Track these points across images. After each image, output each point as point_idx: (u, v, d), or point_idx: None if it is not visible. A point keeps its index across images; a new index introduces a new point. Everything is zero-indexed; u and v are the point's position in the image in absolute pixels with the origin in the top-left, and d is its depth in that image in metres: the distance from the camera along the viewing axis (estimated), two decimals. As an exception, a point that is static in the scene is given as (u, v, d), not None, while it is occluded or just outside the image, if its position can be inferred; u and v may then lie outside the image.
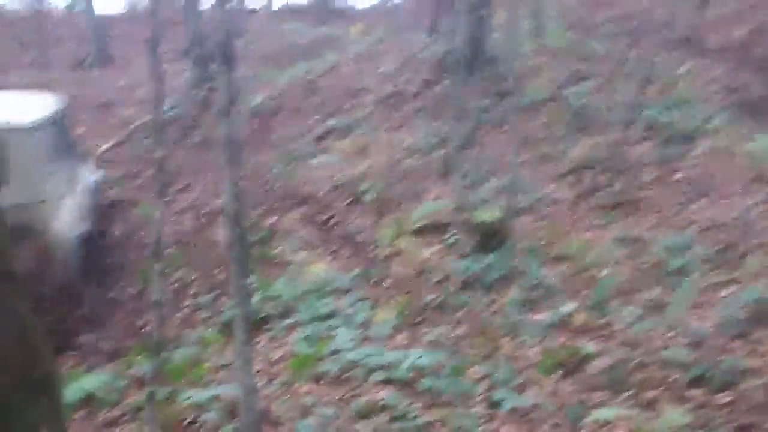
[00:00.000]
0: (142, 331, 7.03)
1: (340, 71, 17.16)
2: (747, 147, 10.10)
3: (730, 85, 13.63)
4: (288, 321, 6.48)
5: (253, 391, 4.47)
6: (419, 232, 9.10)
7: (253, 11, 34.61)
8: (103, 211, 9.05)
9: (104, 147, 13.89)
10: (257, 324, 6.78)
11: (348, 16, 32.62)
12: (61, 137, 7.86)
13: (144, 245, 9.14)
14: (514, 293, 7.17)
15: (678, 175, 9.84)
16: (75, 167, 8.27)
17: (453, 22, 10.54)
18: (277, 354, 5.82)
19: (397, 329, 6.39)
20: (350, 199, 10.30)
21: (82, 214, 7.63)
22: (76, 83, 19.19)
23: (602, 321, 6.61)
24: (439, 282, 7.65)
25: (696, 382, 5.47)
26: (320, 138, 13.35)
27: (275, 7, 37.77)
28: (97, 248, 8.00)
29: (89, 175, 8.70)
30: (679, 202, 9.21)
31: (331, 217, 9.89)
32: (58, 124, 7.85)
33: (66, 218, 7.19)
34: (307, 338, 5.91)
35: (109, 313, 7.48)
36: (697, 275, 7.28)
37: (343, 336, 5.83)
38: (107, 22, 26.85)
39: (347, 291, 7.45)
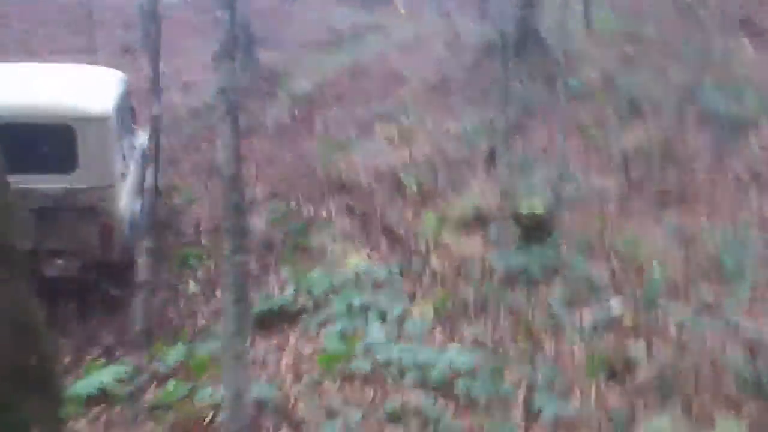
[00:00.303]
0: (172, 319, 6.90)
1: (386, 57, 16.88)
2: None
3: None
4: (321, 315, 6.28)
5: (240, 396, 3.88)
6: (462, 224, 8.80)
7: (298, -2, 34.55)
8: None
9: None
10: (291, 317, 6.60)
11: (395, 1, 32.33)
12: (125, 117, 8.10)
13: (182, 230, 9.12)
14: (558, 289, 6.84)
15: (735, 167, 9.36)
16: (133, 144, 8.55)
17: (501, 5, 10.19)
18: (307, 350, 5.61)
19: (433, 326, 6.14)
20: (392, 189, 10.05)
21: (138, 189, 7.86)
22: (122, 68, 19.24)
23: (652, 321, 6.25)
24: (480, 277, 7.36)
25: (753, 390, 5.11)
26: (365, 125, 13.11)
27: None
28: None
29: (142, 154, 8.84)
30: (737, 195, 8.75)
31: (373, 207, 9.65)
32: (124, 104, 8.07)
33: (126, 200, 7.45)
34: (339, 334, 5.69)
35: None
36: (755, 274, 6.86)
37: (376, 333, 5.59)
38: (157, 8, 26.95)
39: (384, 284, 7.20)
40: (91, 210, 6.95)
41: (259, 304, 6.88)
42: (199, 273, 7.97)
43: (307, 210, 9.44)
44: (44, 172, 6.78)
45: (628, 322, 6.26)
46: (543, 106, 12.25)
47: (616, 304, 6.39)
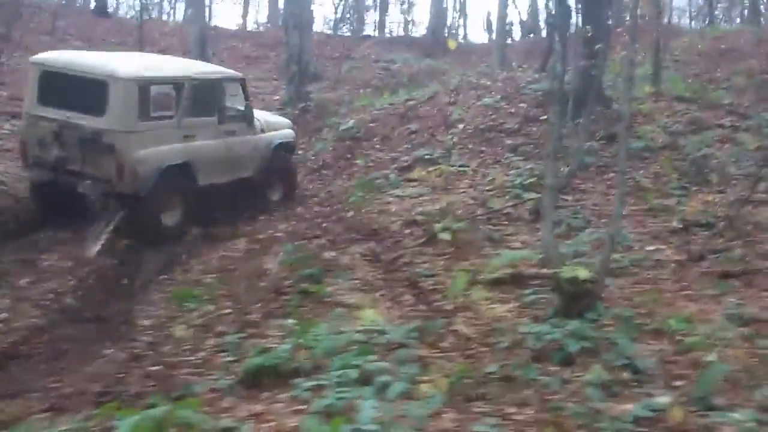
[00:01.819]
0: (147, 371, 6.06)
1: (439, 101, 16.17)
2: None
3: None
4: (317, 380, 5.40)
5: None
6: (496, 283, 7.90)
7: (366, 37, 34.37)
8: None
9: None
10: (285, 376, 5.74)
11: (460, 49, 31.87)
12: (163, 94, 9.72)
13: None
14: (597, 372, 5.84)
15: (809, 247, 8.32)
16: (224, 122, 10.52)
17: (565, 58, 9.43)
18: (289, 423, 4.72)
19: (444, 406, 5.21)
20: (424, 238, 9.22)
21: (171, 155, 9.59)
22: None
23: (704, 422, 5.22)
24: (508, 348, 6.42)
25: None
26: (406, 168, 12.42)
27: (387, 35, 37.61)
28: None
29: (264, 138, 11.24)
30: (809, 278, 7.70)
31: (400, 256, 8.83)
32: (188, 86, 9.91)
33: (150, 151, 9.29)
34: (326, 409, 4.79)
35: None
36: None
37: (370, 411, 4.67)
38: (216, 36, 26.97)
39: (398, 347, 6.31)
40: (110, 147, 9.00)
41: (252, 357, 6.04)
42: (195, 315, 7.17)
43: (329, 254, 8.62)
44: (90, 114, 9.11)
45: (676, 421, 5.24)
46: (601, 164, 11.40)
47: (663, 399, 5.38)
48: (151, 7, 38.35)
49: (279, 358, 5.84)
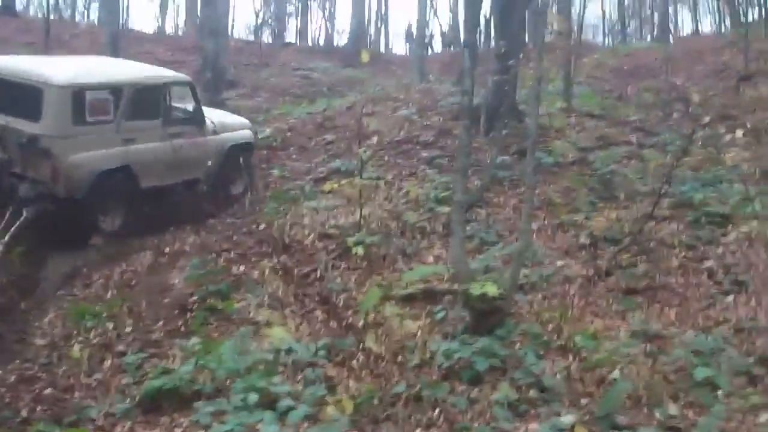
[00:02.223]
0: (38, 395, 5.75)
1: (357, 111, 16.11)
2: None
3: (769, 168, 12.39)
4: (218, 404, 5.24)
5: None
6: (408, 299, 7.89)
7: (286, 44, 34.11)
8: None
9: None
10: (187, 399, 5.57)
11: (380, 60, 31.95)
12: (99, 99, 9.75)
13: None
14: (504, 391, 5.89)
15: (709, 263, 8.55)
16: (167, 126, 10.48)
17: (474, 73, 9.48)
18: (187, 451, 4.56)
19: (349, 429, 5.13)
20: (338, 251, 9.12)
21: (108, 159, 9.66)
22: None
23: (607, 442, 5.31)
24: (418, 366, 6.41)
25: None
26: (322, 179, 12.27)
27: (309, 43, 37.46)
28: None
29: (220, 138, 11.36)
30: (710, 294, 7.91)
31: (312, 270, 8.70)
32: (119, 87, 9.96)
33: (86, 155, 9.36)
34: (226, 435, 4.65)
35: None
36: (729, 390, 5.97)
37: (270, 439, 4.54)
38: (130, 38, 26.30)
39: (306, 366, 6.21)
40: (46, 152, 9.11)
41: (152, 379, 5.84)
42: (93, 333, 6.88)
43: (238, 268, 8.43)
44: (27, 119, 9.18)
45: (580, 440, 5.31)
46: (514, 178, 11.52)
47: (569, 419, 5.44)
48: (63, 8, 37.27)
49: (180, 380, 5.68)
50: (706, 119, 10.61)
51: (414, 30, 28.16)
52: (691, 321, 7.41)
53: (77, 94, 9.36)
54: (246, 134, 12.19)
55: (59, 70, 9.76)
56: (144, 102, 10.13)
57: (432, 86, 18.41)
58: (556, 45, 20.74)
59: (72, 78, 9.55)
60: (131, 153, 9.89)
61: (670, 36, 34.59)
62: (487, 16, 17.38)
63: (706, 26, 35.22)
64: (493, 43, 15.83)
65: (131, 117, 9.95)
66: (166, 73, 11.40)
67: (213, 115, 11.56)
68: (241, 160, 11.66)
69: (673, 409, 5.79)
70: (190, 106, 10.97)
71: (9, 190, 9.24)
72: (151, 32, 35.16)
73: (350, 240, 9.16)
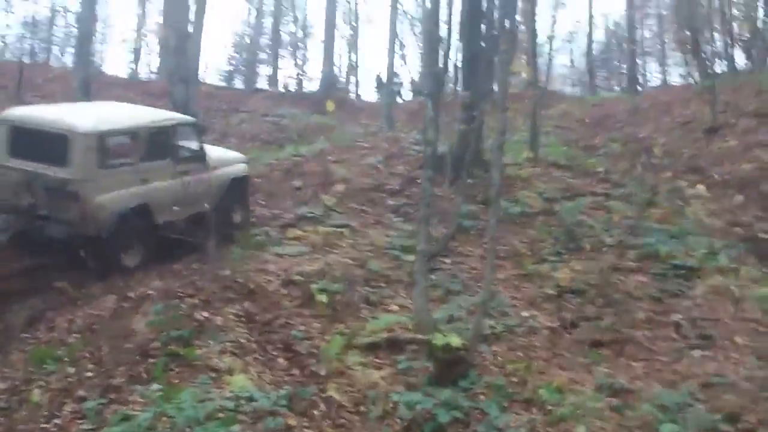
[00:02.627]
0: None
1: (325, 158, 16.16)
2: (756, 292, 8.90)
3: (736, 220, 12.58)
4: (174, 454, 5.11)
5: None
6: (371, 348, 7.79)
7: (257, 90, 34.25)
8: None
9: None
10: (144, 449, 5.41)
11: (350, 107, 32.19)
12: (120, 143, 10.46)
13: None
14: (463, 445, 5.81)
15: (676, 316, 8.62)
16: (177, 164, 11.05)
17: (437, 123, 9.54)
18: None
19: (308, 482, 5.03)
20: (302, 299, 9.01)
21: (130, 199, 10.22)
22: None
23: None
24: (380, 417, 6.31)
25: None
26: (288, 225, 12.17)
27: (281, 89, 37.63)
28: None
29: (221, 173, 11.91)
30: (676, 348, 7.97)
31: (276, 317, 8.56)
32: (138, 132, 10.64)
33: (112, 196, 9.92)
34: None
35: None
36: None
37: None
38: (101, 83, 26.24)
39: (266, 415, 6.07)
40: (75, 195, 9.63)
41: (111, 426, 5.67)
42: (54, 378, 6.70)
43: (201, 314, 8.28)
44: (54, 164, 9.65)
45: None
46: (480, 227, 11.55)
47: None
48: (38, 51, 37.10)
49: (139, 427, 5.54)
50: (668, 173, 10.72)
51: (383, 78, 28.41)
52: (657, 375, 7.43)
53: (101, 140, 9.95)
54: (242, 168, 12.79)
55: (82, 118, 10.37)
56: (156, 143, 10.78)
57: (399, 134, 18.53)
58: (523, 94, 21.11)
59: (95, 125, 10.11)
60: (148, 192, 10.50)
61: (638, 87, 35.25)
62: (457, 64, 17.63)
63: (675, 77, 35.86)
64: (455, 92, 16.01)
65: (146, 158, 10.54)
66: (173, 116, 12.13)
67: (212, 152, 12.07)
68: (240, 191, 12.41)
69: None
70: (193, 145, 11.53)
71: (36, 232, 9.94)
72: (124, 77, 35.10)
73: (314, 287, 9.06)
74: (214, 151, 12.29)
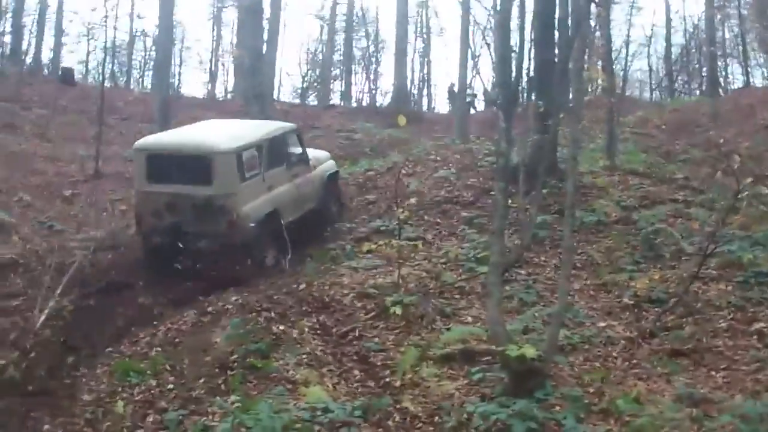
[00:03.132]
0: None
1: (399, 172, 16.23)
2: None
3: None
4: (253, 463, 5.25)
5: None
6: (445, 359, 7.81)
7: (331, 106, 34.70)
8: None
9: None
10: (223, 458, 5.57)
11: (423, 120, 32.27)
12: (269, 153, 11.71)
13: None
14: (544, 457, 5.77)
15: (759, 325, 8.33)
16: (291, 168, 12.33)
17: (510, 134, 9.50)
18: None
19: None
20: (376, 311, 9.11)
21: (268, 202, 11.44)
22: (126, 160, 18.85)
23: None
24: (454, 428, 6.32)
25: None
26: (362, 239, 12.33)
27: (353, 104, 38.06)
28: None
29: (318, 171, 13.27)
30: (759, 357, 7.68)
31: (351, 329, 8.69)
32: (263, 145, 11.67)
33: (251, 205, 11.01)
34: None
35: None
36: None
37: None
38: (179, 104, 27.03)
39: (341, 426, 6.17)
40: (222, 208, 10.62)
41: (191, 436, 5.88)
42: (137, 390, 6.96)
43: (278, 327, 8.46)
44: (198, 184, 10.65)
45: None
46: (555, 237, 11.44)
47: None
48: (119, 75, 38.47)
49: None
50: (749, 179, 10.38)
51: (456, 89, 28.38)
52: (739, 385, 7.20)
53: (238, 156, 10.90)
54: (332, 164, 14.22)
55: (218, 138, 11.34)
56: (274, 152, 11.84)
57: (472, 146, 18.48)
58: (599, 102, 20.77)
59: (231, 143, 11.05)
60: (275, 197, 11.61)
61: (720, 90, 34.23)
62: (530, 74, 17.50)
63: (758, 79, 34.62)
64: (529, 102, 15.92)
65: (269, 167, 11.59)
66: (282, 125, 13.34)
67: (309, 153, 13.21)
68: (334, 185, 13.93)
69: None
70: (298, 149, 12.68)
71: (183, 246, 10.71)
72: (201, 97, 36.07)
73: (388, 299, 9.15)
74: (310, 153, 13.35)
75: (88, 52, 36.13)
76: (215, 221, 10.61)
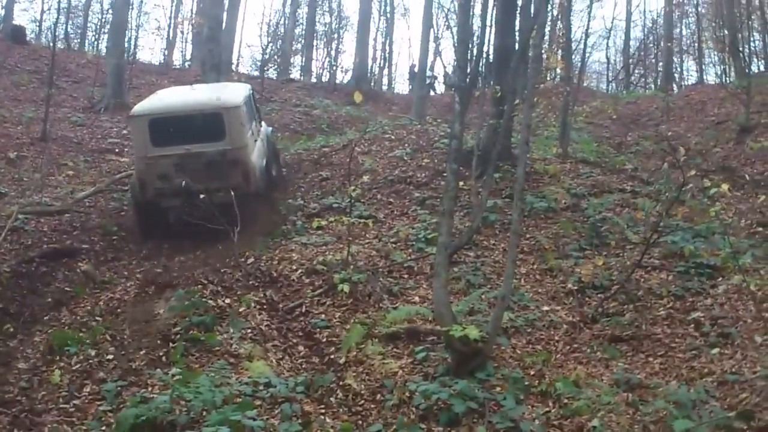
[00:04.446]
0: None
1: (354, 150, 16.20)
2: (780, 293, 8.79)
3: (763, 220, 12.41)
4: (187, 438, 5.20)
5: None
6: (391, 338, 7.86)
7: (290, 81, 34.33)
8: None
9: (81, 194, 12.91)
10: (162, 429, 5.53)
11: (382, 99, 32.17)
12: (251, 109, 12.37)
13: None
14: (481, 435, 5.85)
15: (697, 314, 8.53)
16: (259, 125, 13.04)
17: (463, 117, 9.53)
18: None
19: (321, 465, 5.09)
20: (324, 288, 9.10)
21: (262, 153, 12.22)
22: (75, 125, 18.49)
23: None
24: (396, 406, 6.36)
25: None
26: (314, 215, 12.28)
27: (313, 80, 37.72)
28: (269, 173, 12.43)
29: (266, 129, 13.83)
30: (695, 345, 7.87)
31: (298, 305, 8.68)
32: (251, 101, 12.60)
33: (255, 156, 11.55)
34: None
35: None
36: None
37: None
38: (134, 70, 26.50)
39: (283, 401, 6.16)
40: (235, 161, 10.98)
41: (129, 407, 5.80)
42: (75, 360, 6.85)
43: (223, 300, 8.40)
44: (210, 141, 10.89)
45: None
46: (505, 221, 11.53)
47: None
48: (73, 37, 37.56)
49: (157, 409, 5.63)
50: (696, 172, 10.58)
51: (416, 70, 28.30)
52: (674, 372, 7.37)
53: (244, 111, 11.37)
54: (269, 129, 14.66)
55: (225, 96, 11.67)
56: (251, 109, 12.39)
57: (429, 127, 18.50)
58: (555, 90, 20.91)
59: (237, 99, 11.53)
60: (262, 149, 12.29)
61: (674, 85, 34.70)
62: (489, 59, 17.53)
63: (711, 76, 35.17)
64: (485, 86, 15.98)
65: (253, 120, 12.21)
66: (246, 85, 13.78)
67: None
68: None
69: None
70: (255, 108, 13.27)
71: (198, 204, 10.63)
72: (156, 64, 35.41)
73: (337, 277, 9.14)
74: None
75: (42, 11, 35.26)
76: (230, 175, 10.82)
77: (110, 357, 6.95)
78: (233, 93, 12.07)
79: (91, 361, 6.86)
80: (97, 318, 7.97)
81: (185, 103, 11.49)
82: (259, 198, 11.20)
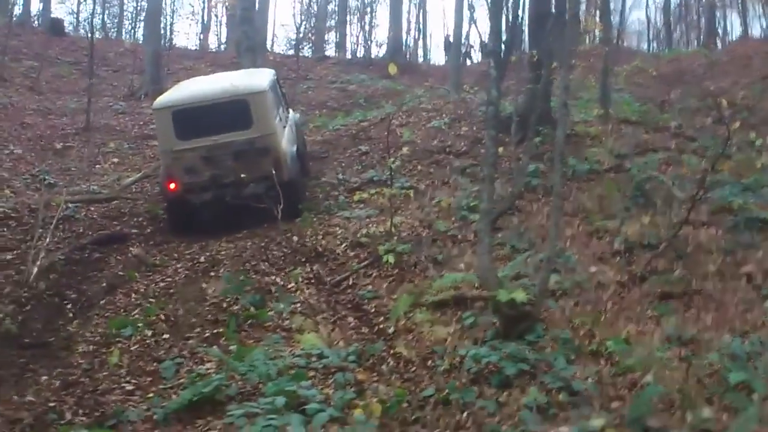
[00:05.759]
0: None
1: (392, 122, 16.21)
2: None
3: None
4: (249, 407, 5.31)
5: None
6: (438, 305, 7.88)
7: (325, 58, 34.36)
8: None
9: (128, 181, 13.15)
10: (221, 402, 5.65)
11: (418, 71, 32.04)
12: (277, 94, 11.99)
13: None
14: (533, 395, 5.85)
15: (747, 268, 8.41)
16: (286, 112, 12.62)
17: (500, 83, 9.47)
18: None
19: (378, 431, 5.16)
20: (369, 260, 9.17)
21: (292, 139, 11.78)
22: (117, 113, 18.77)
23: (638, 445, 5.24)
24: (447, 371, 6.40)
25: None
26: (355, 189, 12.37)
27: (347, 56, 37.69)
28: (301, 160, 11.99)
29: (294, 116, 13.33)
30: (747, 299, 7.78)
31: (344, 278, 8.77)
32: (276, 86, 12.21)
33: (285, 143, 11.14)
34: (257, 437, 4.70)
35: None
36: (765, 394, 5.86)
37: (299, 439, 4.60)
38: (171, 55, 26.78)
39: (336, 371, 6.25)
40: (265, 149, 10.56)
41: (188, 382, 5.94)
42: (132, 341, 7.03)
43: (272, 277, 8.52)
44: (237, 129, 10.53)
45: (610, 444, 5.26)
46: (546, 186, 11.47)
47: (598, 422, 5.39)
48: (110, 27, 38.04)
49: (214, 386, 5.75)
50: (741, 125, 10.37)
51: (451, 40, 28.12)
52: (727, 326, 7.28)
53: (270, 97, 10.97)
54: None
55: (250, 82, 11.38)
56: (277, 94, 12.02)
57: (466, 96, 18.41)
58: (594, 52, 20.63)
59: (262, 84, 11.12)
60: (292, 135, 11.89)
61: (718, 41, 33.89)
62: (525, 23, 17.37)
63: (756, 30, 34.23)
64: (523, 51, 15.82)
65: (281, 106, 12.00)
66: (270, 71, 13.35)
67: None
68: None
69: (706, 412, 5.69)
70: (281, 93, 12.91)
71: (228, 195, 10.39)
72: (193, 49, 35.72)
73: (381, 248, 9.21)
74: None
75: (79, 3, 35.72)
76: (261, 163, 10.36)
77: (166, 336, 7.12)
78: (258, 78, 11.70)
79: (147, 341, 7.03)
80: (151, 300, 8.15)
81: (209, 91, 11.03)
82: (292, 186, 10.68)
